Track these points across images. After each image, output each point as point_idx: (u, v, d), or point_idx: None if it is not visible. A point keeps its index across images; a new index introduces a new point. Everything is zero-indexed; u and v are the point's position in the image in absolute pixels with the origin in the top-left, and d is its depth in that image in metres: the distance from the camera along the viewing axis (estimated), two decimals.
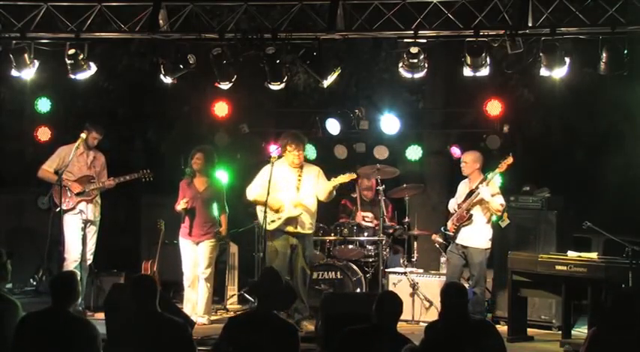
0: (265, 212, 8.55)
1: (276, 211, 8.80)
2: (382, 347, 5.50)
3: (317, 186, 8.90)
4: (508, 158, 8.82)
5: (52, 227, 9.39)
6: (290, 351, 5.73)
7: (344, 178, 8.78)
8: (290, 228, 8.82)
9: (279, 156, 8.88)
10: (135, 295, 5.79)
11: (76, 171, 9.39)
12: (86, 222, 9.42)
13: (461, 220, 9.01)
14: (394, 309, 5.71)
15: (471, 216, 8.97)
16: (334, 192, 8.91)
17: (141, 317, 5.75)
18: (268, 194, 8.56)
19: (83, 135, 9.29)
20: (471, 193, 8.99)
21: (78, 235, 9.34)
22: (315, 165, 9.22)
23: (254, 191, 8.92)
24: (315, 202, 8.95)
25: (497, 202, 8.88)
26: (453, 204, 9.23)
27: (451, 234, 9.09)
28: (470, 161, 9.08)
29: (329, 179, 8.87)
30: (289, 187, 8.82)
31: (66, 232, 9.27)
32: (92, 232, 9.50)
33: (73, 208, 9.33)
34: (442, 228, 9.35)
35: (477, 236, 8.97)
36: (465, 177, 9.21)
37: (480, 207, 8.95)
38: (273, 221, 8.80)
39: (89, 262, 9.50)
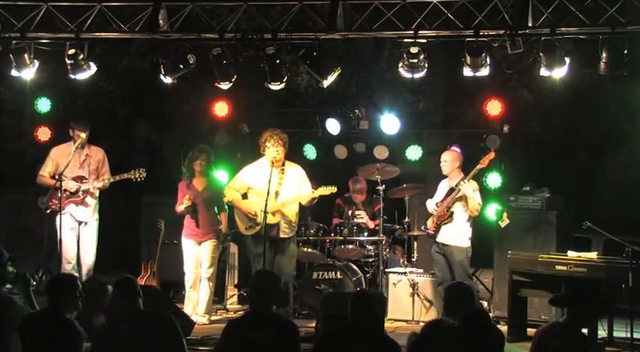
0: (265, 212, 8.54)
1: (250, 215, 8.79)
2: (360, 349, 5.46)
3: (300, 189, 8.85)
4: (490, 153, 8.91)
5: (48, 228, 9.35)
6: (291, 348, 5.73)
7: (325, 191, 8.74)
8: (270, 234, 8.72)
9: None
10: (119, 296, 5.83)
11: (67, 172, 9.22)
12: (79, 224, 9.31)
13: (441, 218, 9.04)
14: (370, 309, 5.64)
15: (452, 213, 9.00)
16: (314, 201, 8.85)
17: (125, 317, 5.76)
18: (268, 193, 8.56)
19: (83, 135, 9.22)
20: (451, 191, 9.02)
21: (70, 237, 9.22)
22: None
23: (229, 191, 8.98)
24: (295, 207, 8.92)
25: (477, 200, 8.92)
26: (431, 204, 9.25)
27: (432, 232, 9.10)
28: (449, 160, 9.15)
29: (320, 184, 8.85)
30: (269, 192, 8.65)
31: (59, 234, 9.15)
32: (87, 233, 9.34)
33: (63, 209, 9.14)
34: (422, 227, 9.37)
35: (456, 235, 9.02)
36: (445, 177, 9.25)
37: (461, 205, 8.98)
38: (251, 226, 8.80)
39: (89, 263, 9.34)
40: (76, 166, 9.30)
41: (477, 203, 8.94)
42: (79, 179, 9.30)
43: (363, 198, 10.45)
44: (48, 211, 9.26)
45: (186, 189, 9.25)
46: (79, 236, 9.34)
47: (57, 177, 9.12)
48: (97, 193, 9.41)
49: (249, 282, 6.10)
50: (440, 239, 9.07)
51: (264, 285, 5.92)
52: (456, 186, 8.98)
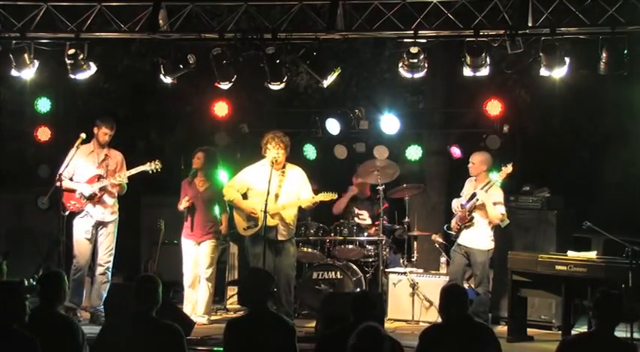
0: (265, 212, 8.53)
1: (249, 217, 8.78)
2: None
3: (300, 191, 8.83)
4: (508, 166, 8.74)
5: (63, 231, 8.89)
6: (287, 345, 5.75)
7: (325, 197, 8.76)
8: (269, 236, 8.65)
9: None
10: (136, 296, 5.76)
11: (85, 171, 9.04)
12: (98, 225, 9.06)
13: (463, 221, 8.98)
14: (371, 310, 5.67)
15: (473, 218, 8.93)
16: (315, 205, 8.83)
17: (134, 319, 5.73)
18: (268, 194, 8.54)
19: (83, 135, 9.06)
20: (473, 196, 8.96)
21: (84, 239, 8.99)
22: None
23: (229, 191, 8.93)
24: (295, 211, 8.90)
25: (499, 211, 8.79)
26: (456, 204, 9.19)
27: (454, 233, 9.07)
28: (477, 162, 9.01)
29: (321, 184, 8.84)
30: (269, 193, 8.60)
31: (73, 236, 9.02)
32: (104, 234, 9.08)
33: (81, 211, 8.98)
34: (445, 227, 9.36)
35: (478, 237, 8.93)
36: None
37: (481, 213, 8.91)
38: (250, 227, 8.78)
39: (108, 265, 9.11)
40: (93, 166, 9.08)
41: (500, 213, 8.79)
42: (97, 178, 9.04)
43: (368, 194, 10.41)
44: (66, 213, 8.89)
45: (188, 188, 9.25)
46: (95, 240, 9.09)
47: (72, 177, 8.98)
48: (115, 192, 9.13)
49: (239, 281, 6.12)
50: (461, 241, 9.00)
51: (254, 285, 5.94)
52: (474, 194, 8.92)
